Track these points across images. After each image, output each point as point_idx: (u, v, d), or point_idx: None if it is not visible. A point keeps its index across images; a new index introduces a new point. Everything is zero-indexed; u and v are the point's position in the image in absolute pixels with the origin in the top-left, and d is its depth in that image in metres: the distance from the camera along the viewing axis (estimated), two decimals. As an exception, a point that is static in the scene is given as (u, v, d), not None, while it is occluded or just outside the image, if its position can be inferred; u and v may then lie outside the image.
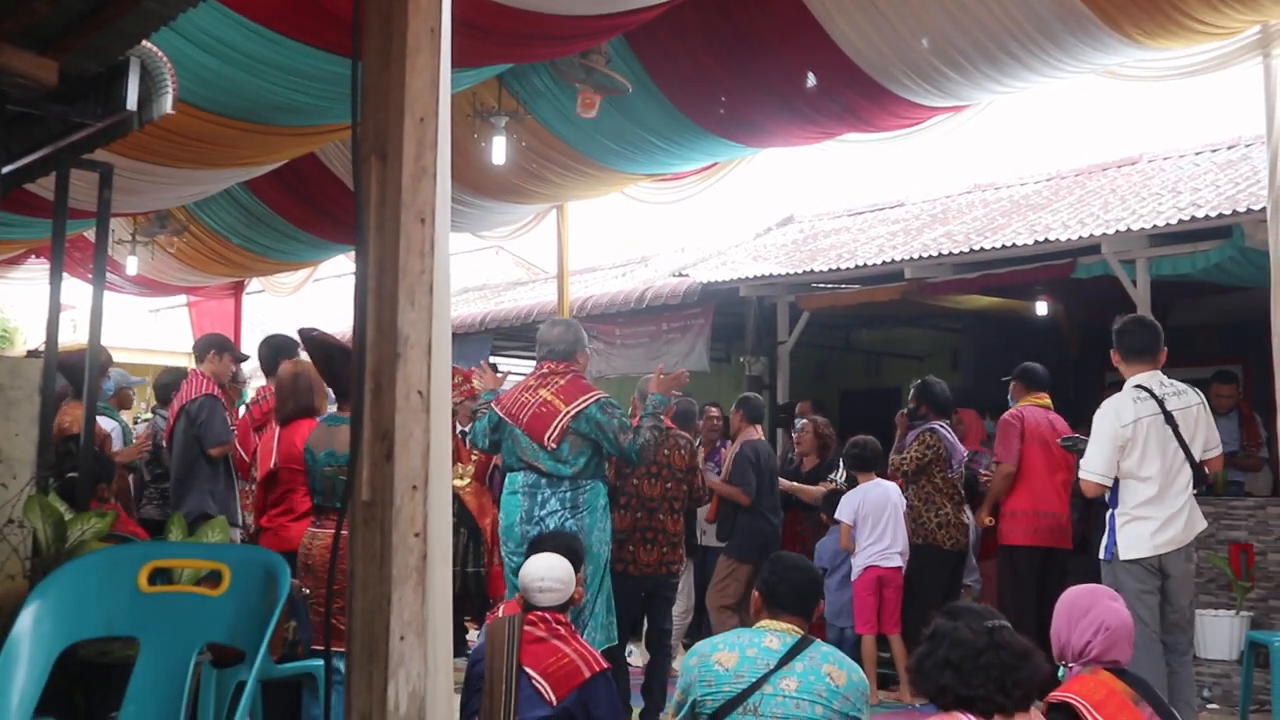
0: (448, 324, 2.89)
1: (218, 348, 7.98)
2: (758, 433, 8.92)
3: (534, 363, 7.11)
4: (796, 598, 4.13)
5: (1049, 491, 7.95)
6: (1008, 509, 8.00)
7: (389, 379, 2.70)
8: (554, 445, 6.24)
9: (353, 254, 12.94)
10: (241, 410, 8.82)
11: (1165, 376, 6.16)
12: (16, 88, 5.10)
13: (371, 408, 2.73)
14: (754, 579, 5.55)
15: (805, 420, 10.04)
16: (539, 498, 6.24)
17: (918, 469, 8.44)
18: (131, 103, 5.28)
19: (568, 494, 6.25)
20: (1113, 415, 6.10)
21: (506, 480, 6.44)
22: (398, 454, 2.67)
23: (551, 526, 6.13)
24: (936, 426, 8.57)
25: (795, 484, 9.43)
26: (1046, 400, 8.23)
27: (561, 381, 6.44)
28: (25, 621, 3.22)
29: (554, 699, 4.40)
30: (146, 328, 20.22)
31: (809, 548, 9.04)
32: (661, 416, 6.69)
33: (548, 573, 4.73)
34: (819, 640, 4.10)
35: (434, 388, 2.82)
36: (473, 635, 9.26)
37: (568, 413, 6.29)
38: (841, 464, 9.11)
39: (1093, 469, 6.14)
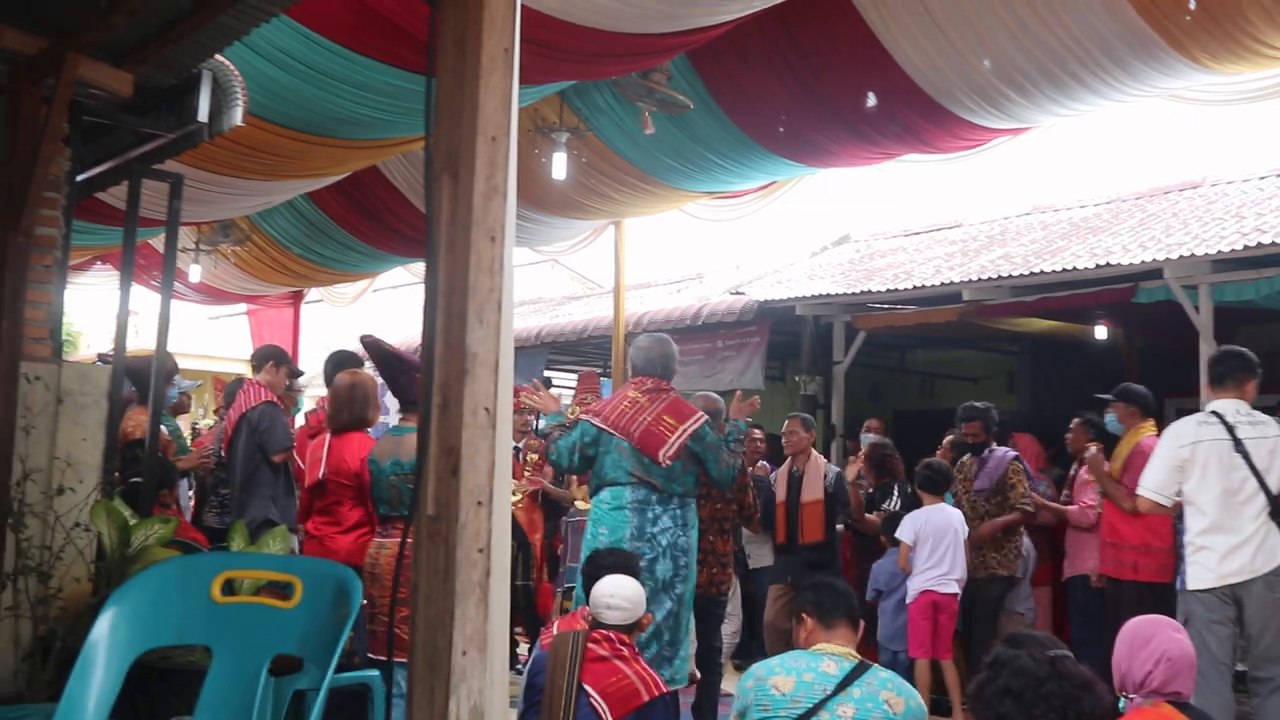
0: (511, 341, 2.91)
1: (276, 359, 8.05)
2: None
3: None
4: (842, 600, 4.16)
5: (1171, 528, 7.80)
6: (1148, 543, 7.63)
7: (457, 395, 2.72)
8: (669, 463, 6.22)
9: (411, 265, 13.10)
10: (298, 419, 8.91)
11: (1247, 406, 6.07)
12: (92, 99, 5.22)
13: (438, 423, 2.76)
14: None
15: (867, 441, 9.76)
16: (649, 514, 6.19)
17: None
18: (203, 114, 5.39)
19: (678, 511, 6.24)
20: (1172, 435, 6.08)
21: (608, 494, 6.30)
22: (464, 470, 2.70)
23: (664, 544, 6.13)
24: (1018, 455, 8.42)
25: (868, 516, 9.00)
26: (1155, 428, 7.83)
27: (668, 399, 6.42)
28: (102, 628, 3.27)
29: (610, 718, 4.40)
30: (205, 334, 20.48)
31: (861, 574, 8.88)
32: (743, 440, 6.68)
33: (617, 590, 4.75)
34: (876, 665, 4.08)
35: (499, 404, 2.84)
36: (523, 649, 9.28)
37: (685, 430, 6.27)
38: (895, 491, 8.92)
39: (1146, 484, 6.13)
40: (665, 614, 6.22)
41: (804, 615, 4.28)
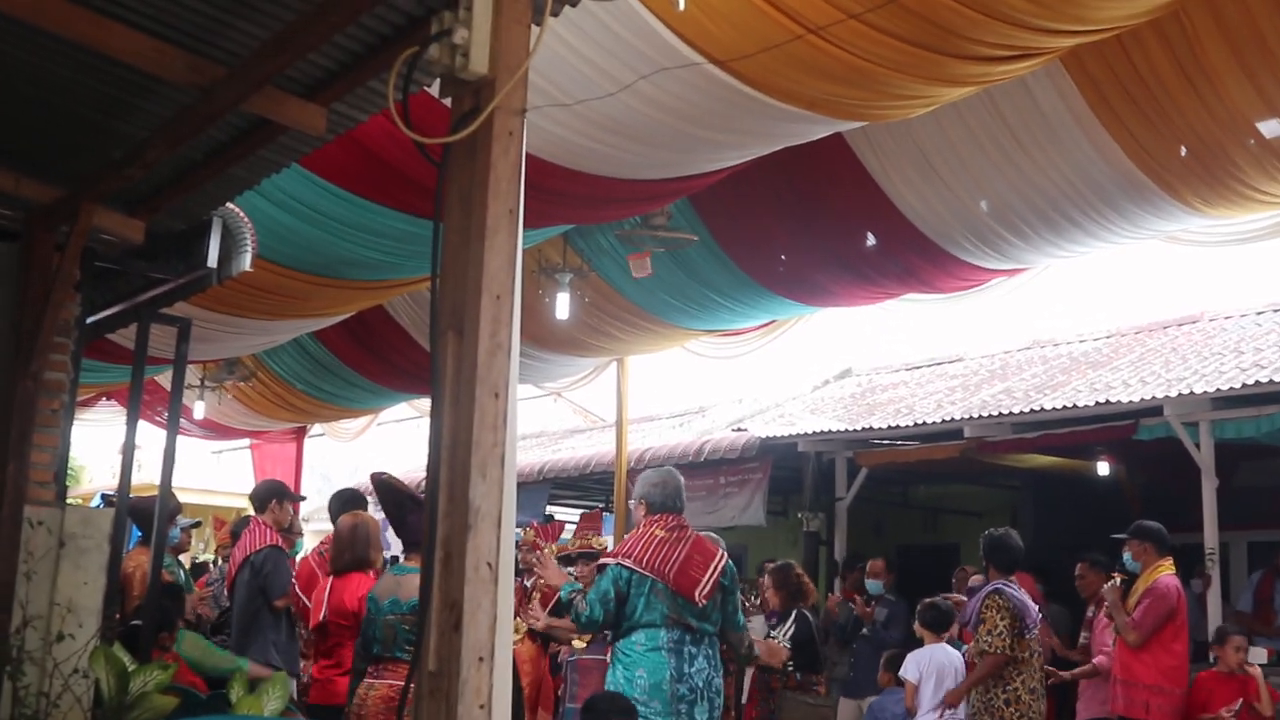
0: (514, 493, 2.93)
1: (279, 495, 8.04)
2: None
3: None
4: None
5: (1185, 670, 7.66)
6: (1161, 685, 7.45)
7: (459, 550, 2.73)
8: (704, 601, 6.14)
9: (415, 401, 13.12)
10: (298, 558, 8.85)
11: None
12: (104, 244, 5.31)
13: (441, 578, 2.76)
14: None
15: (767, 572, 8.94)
16: (685, 654, 6.03)
17: (1010, 639, 7.33)
18: (211, 260, 5.48)
19: (710, 651, 6.12)
20: None
21: (643, 636, 6.08)
22: (466, 625, 2.69)
23: (699, 685, 6.00)
24: (1001, 586, 7.54)
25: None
26: (1173, 566, 7.72)
27: (692, 536, 6.35)
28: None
29: None
30: (208, 468, 20.47)
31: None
32: None
33: None
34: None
35: (501, 558, 2.85)
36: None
37: (716, 568, 6.21)
38: (792, 617, 8.23)
39: None
40: None
41: None
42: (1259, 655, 8.57)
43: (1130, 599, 7.70)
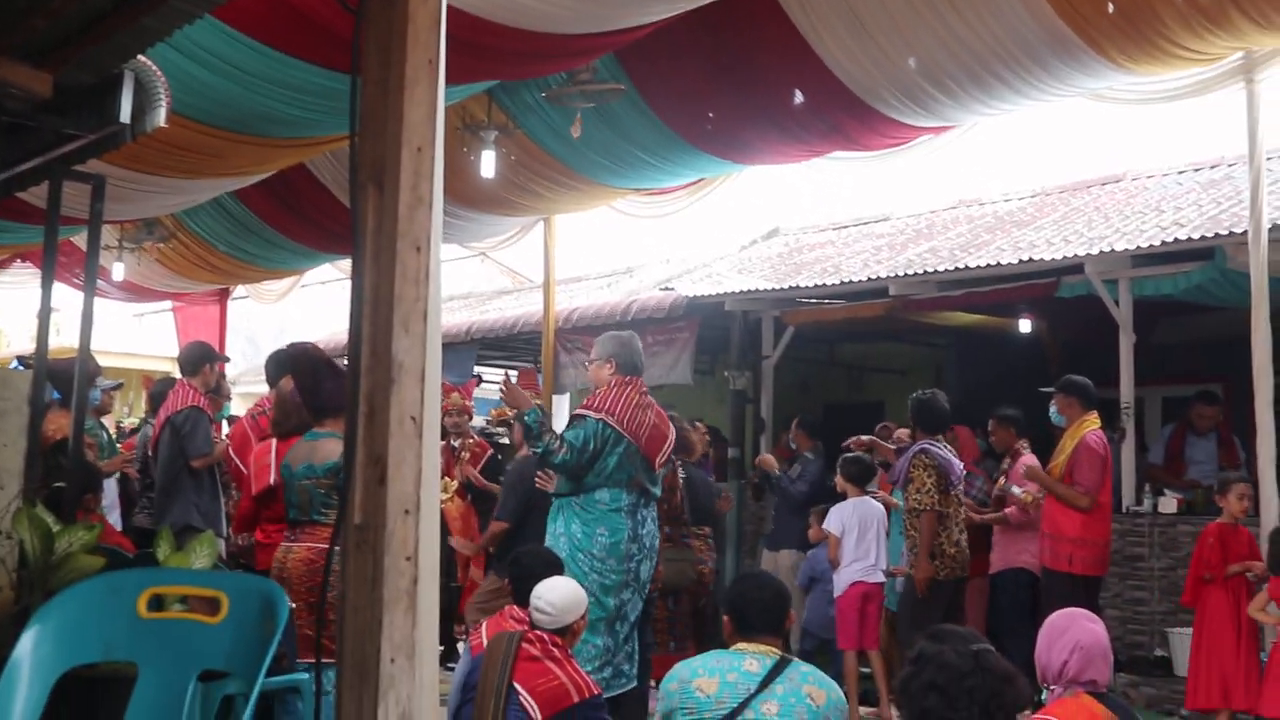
0: (438, 349, 2.92)
1: (210, 359, 7.95)
2: None
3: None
4: (767, 617, 4.16)
5: (1108, 521, 7.94)
6: (1084, 537, 7.69)
7: (383, 404, 2.73)
8: (660, 467, 6.31)
9: (339, 262, 12.98)
10: (225, 424, 8.80)
11: None
12: (10, 98, 5.12)
13: (365, 432, 2.77)
14: None
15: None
16: (639, 517, 6.26)
17: (938, 495, 7.58)
18: (124, 115, 5.30)
19: (654, 514, 6.38)
20: None
21: (607, 495, 6.22)
22: (390, 479, 2.71)
23: (647, 546, 6.26)
24: (927, 445, 7.73)
25: None
26: (1098, 420, 7.94)
27: (653, 403, 6.48)
28: (25, 645, 3.25)
29: (539, 717, 4.44)
30: (130, 332, 20.17)
31: None
32: None
33: (546, 593, 4.83)
34: (797, 660, 4.14)
35: (425, 412, 2.85)
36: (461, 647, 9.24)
37: (671, 436, 6.36)
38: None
39: None
40: (637, 613, 6.35)
41: (725, 616, 4.30)
42: (1169, 505, 8.88)
43: (1059, 457, 7.89)
